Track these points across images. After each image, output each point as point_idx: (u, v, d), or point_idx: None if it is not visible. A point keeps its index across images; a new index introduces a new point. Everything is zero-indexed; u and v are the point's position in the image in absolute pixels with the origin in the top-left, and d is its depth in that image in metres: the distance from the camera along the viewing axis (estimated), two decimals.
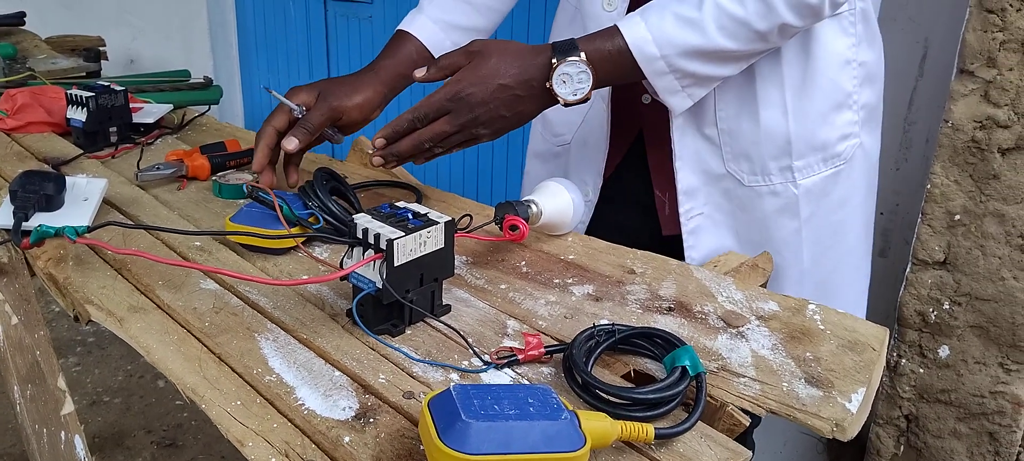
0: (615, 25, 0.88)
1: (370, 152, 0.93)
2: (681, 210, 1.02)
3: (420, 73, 0.92)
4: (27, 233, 0.87)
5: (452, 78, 0.89)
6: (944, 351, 1.41)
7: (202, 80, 1.68)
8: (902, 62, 1.56)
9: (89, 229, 0.84)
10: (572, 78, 0.87)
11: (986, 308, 1.35)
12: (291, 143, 0.96)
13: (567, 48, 0.87)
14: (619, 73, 0.89)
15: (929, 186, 1.35)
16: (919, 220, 1.37)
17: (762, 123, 0.96)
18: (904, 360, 1.45)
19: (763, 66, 0.95)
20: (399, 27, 1.11)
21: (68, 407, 0.73)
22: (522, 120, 0.91)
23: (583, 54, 0.87)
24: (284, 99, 0.99)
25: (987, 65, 1.25)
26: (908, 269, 1.41)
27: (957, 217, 1.33)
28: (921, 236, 1.37)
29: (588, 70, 0.87)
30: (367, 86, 1.02)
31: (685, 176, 1.01)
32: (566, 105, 0.89)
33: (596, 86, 0.88)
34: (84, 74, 1.81)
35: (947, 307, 1.38)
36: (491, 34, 1.16)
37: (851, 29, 0.96)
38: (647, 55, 0.86)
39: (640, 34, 0.86)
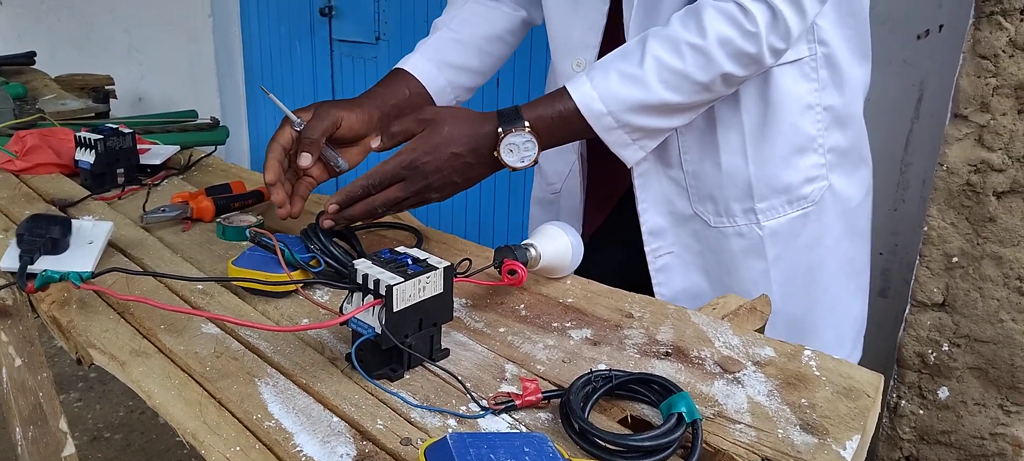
0: (564, 86, 0.92)
1: (323, 216, 0.94)
2: (647, 249, 1.05)
3: (375, 143, 0.96)
4: (32, 276, 0.88)
5: (406, 146, 0.92)
6: (944, 392, 1.41)
7: (209, 120, 1.70)
8: (898, 104, 1.58)
9: (93, 275, 0.85)
10: (519, 147, 0.91)
11: (985, 350, 1.36)
12: (304, 160, 0.95)
13: (512, 118, 0.91)
14: (568, 133, 0.93)
15: (926, 229, 1.36)
16: (917, 262, 1.38)
17: (723, 166, 0.99)
18: (904, 401, 1.45)
19: (723, 111, 0.98)
20: (396, 66, 1.14)
21: (69, 449, 0.74)
22: (472, 183, 0.95)
23: (527, 124, 0.90)
24: (277, 101, 0.99)
25: (981, 110, 1.27)
26: (907, 310, 1.42)
27: (955, 259, 1.34)
28: (919, 278, 1.38)
29: (533, 139, 0.91)
30: (363, 105, 1.04)
31: (650, 217, 1.04)
32: (514, 171, 0.93)
33: (543, 149, 0.92)
34: (93, 115, 1.83)
35: (946, 349, 1.39)
36: (487, 77, 1.20)
37: (813, 74, 0.97)
38: (594, 112, 0.90)
39: (586, 93, 0.90)
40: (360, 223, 0.97)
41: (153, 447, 2.27)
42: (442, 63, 1.13)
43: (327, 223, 0.93)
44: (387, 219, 1.15)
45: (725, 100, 0.96)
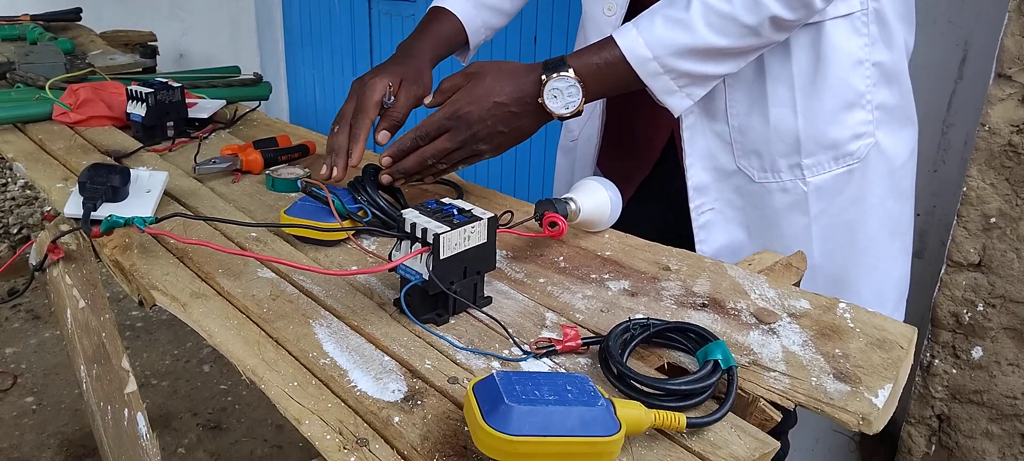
0: (610, 35, 0.92)
1: (381, 167, 0.98)
2: (691, 205, 1.06)
3: (428, 99, 1.00)
4: (96, 222, 0.92)
5: (450, 98, 0.95)
6: (977, 352, 1.41)
7: (252, 76, 1.74)
8: (941, 64, 1.56)
9: (156, 220, 0.89)
10: (562, 93, 0.92)
11: (1020, 310, 1.35)
12: (383, 137, 1.02)
13: (556, 64, 0.92)
14: (614, 83, 0.93)
15: (965, 189, 1.35)
16: (954, 222, 1.38)
17: (772, 121, 0.99)
18: (937, 360, 1.46)
19: (773, 64, 0.97)
20: (433, 4, 1.18)
21: (131, 386, 0.78)
22: (522, 135, 0.96)
23: (572, 70, 0.91)
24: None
25: None
26: (943, 270, 1.42)
27: (992, 220, 1.34)
28: (956, 238, 1.38)
29: (577, 84, 0.91)
30: (423, 64, 1.09)
31: (696, 173, 1.04)
32: (561, 119, 0.94)
33: (590, 99, 0.93)
34: (140, 70, 1.88)
35: (981, 309, 1.39)
36: (510, 19, 1.24)
37: (864, 29, 0.97)
38: (640, 57, 0.90)
39: (632, 38, 0.90)
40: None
41: (198, 394, 2.35)
42: (479, 4, 1.18)
43: (385, 178, 0.97)
44: None
45: (776, 53, 0.96)
